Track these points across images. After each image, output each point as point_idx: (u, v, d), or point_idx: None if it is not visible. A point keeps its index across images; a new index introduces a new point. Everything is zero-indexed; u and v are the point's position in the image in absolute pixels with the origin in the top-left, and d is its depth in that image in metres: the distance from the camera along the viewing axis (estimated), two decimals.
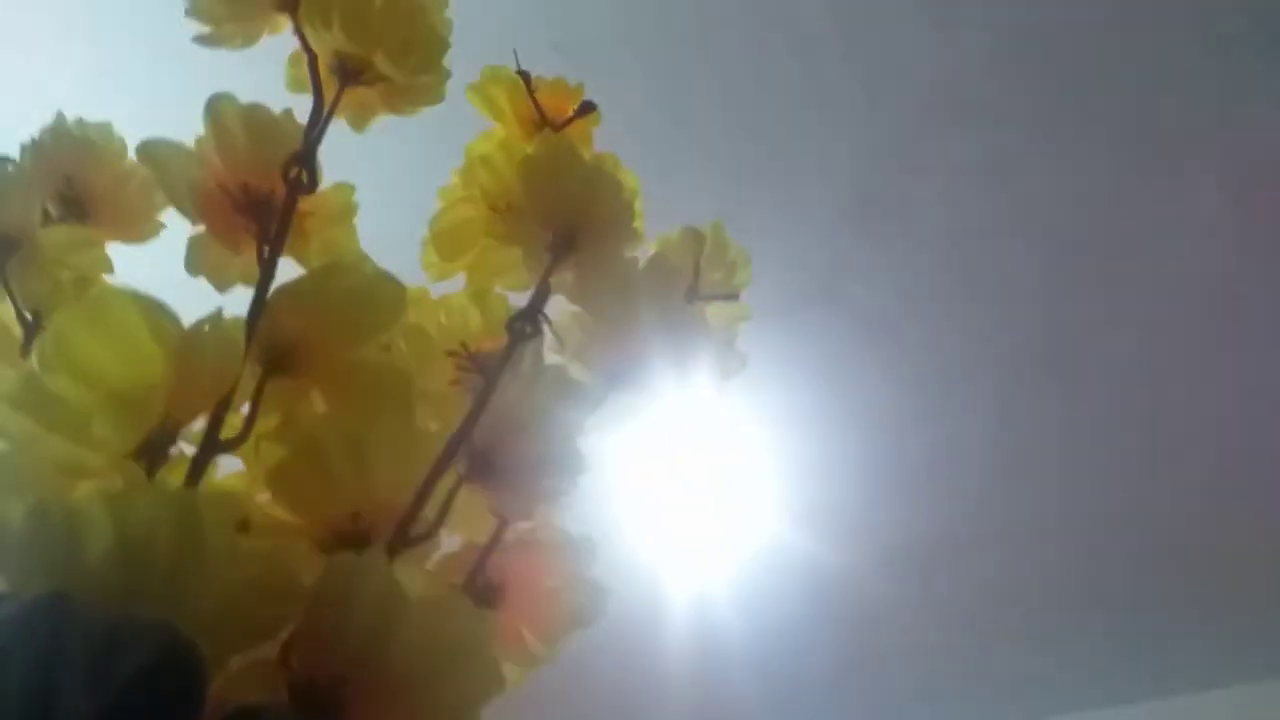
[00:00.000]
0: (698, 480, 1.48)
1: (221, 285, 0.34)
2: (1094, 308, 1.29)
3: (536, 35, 1.08)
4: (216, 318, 0.25)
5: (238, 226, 0.32)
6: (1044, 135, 1.14)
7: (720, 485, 1.48)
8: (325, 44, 0.33)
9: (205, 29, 0.34)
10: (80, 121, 0.40)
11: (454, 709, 0.22)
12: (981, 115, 1.13)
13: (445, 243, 0.38)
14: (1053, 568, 1.59)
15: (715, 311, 0.45)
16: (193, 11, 0.33)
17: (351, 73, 0.33)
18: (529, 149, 0.38)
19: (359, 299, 0.29)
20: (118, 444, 0.24)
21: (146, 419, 0.24)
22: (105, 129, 0.40)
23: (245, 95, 0.34)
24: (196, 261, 0.34)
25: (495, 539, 0.34)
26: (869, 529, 1.53)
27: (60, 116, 0.40)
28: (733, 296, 0.45)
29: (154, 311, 0.24)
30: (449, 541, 0.37)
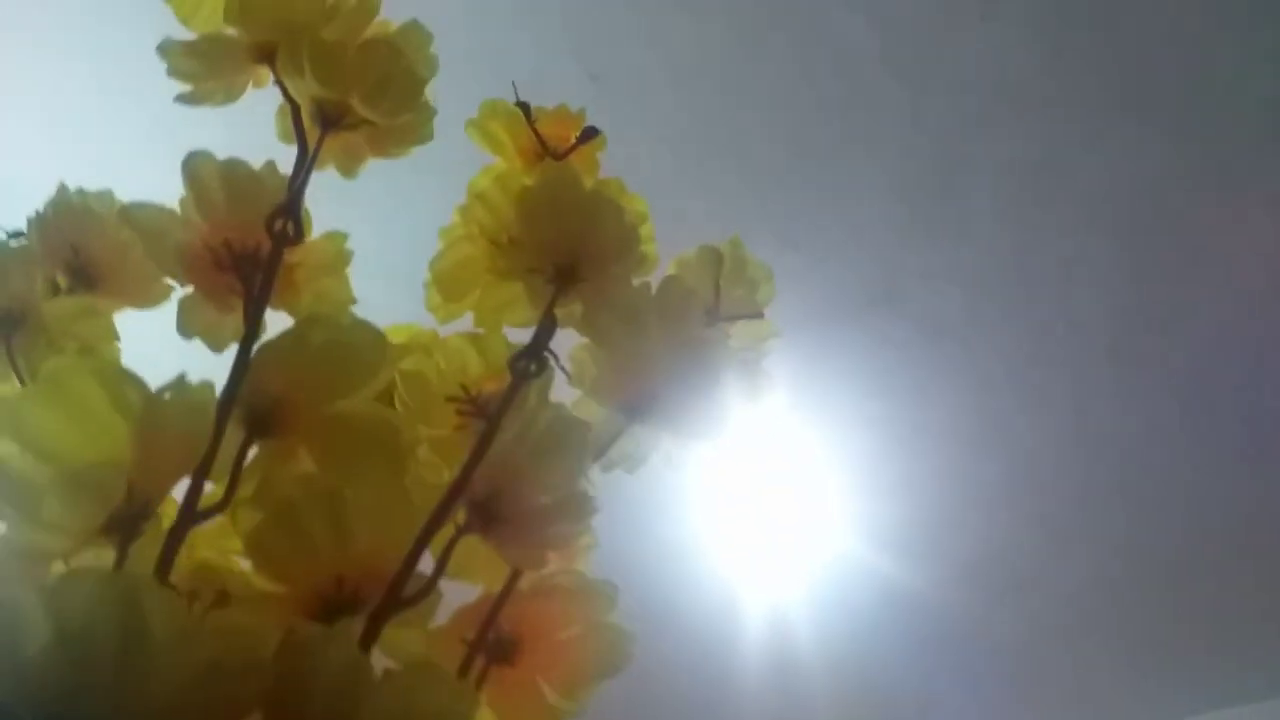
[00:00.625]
0: (773, 494, 1.46)
1: (216, 346, 0.33)
2: (1164, 297, 1.24)
3: (573, 66, 1.07)
4: (180, 383, 0.24)
5: (225, 285, 0.32)
6: (1098, 124, 1.10)
7: (795, 499, 1.45)
8: (303, 91, 0.32)
9: (186, 87, 0.33)
10: (81, 191, 0.40)
11: None
12: (1031, 108, 1.09)
13: (448, 283, 0.37)
14: (1138, 577, 1.52)
15: (740, 331, 0.43)
16: (172, 72, 0.33)
17: (331, 118, 0.33)
18: (527, 180, 0.37)
19: (338, 351, 0.28)
20: (77, 523, 0.23)
21: (107, 495, 0.23)
22: (106, 197, 0.40)
23: (251, 155, 0.34)
24: (188, 323, 0.33)
25: (507, 589, 0.32)
26: (946, 544, 1.49)
27: (62, 187, 0.40)
28: (757, 314, 0.43)
29: (115, 381, 0.24)
30: (466, 591, 0.35)
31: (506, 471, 0.30)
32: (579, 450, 0.30)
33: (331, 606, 0.26)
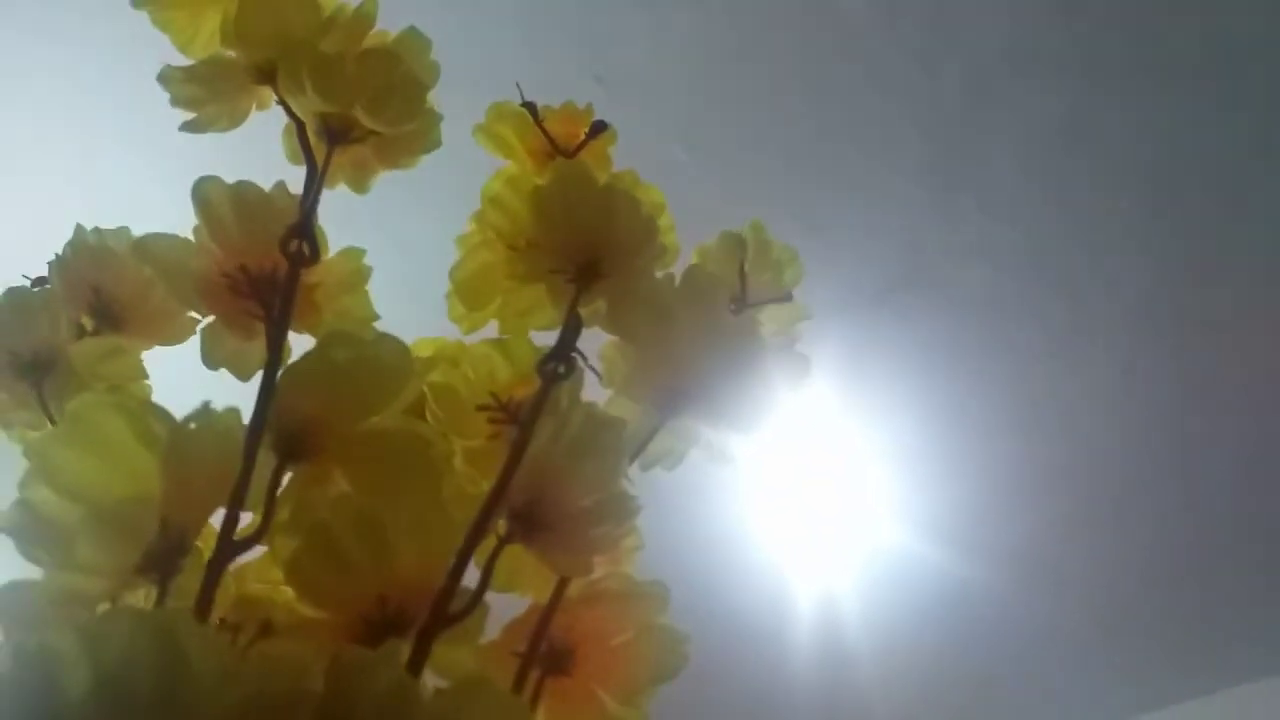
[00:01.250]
0: (816, 485, 1.45)
1: (243, 375, 0.33)
2: (1201, 254, 1.21)
3: (578, 69, 1.07)
4: (205, 411, 0.24)
5: (245, 311, 0.31)
6: (1120, 84, 1.07)
7: (838, 489, 1.44)
8: (306, 108, 0.32)
9: (190, 114, 0.33)
10: (97, 230, 0.40)
11: None
12: (1048, 72, 1.07)
13: (469, 292, 0.36)
14: (1188, 561, 1.49)
15: (770, 316, 0.42)
16: (174, 99, 0.32)
17: (337, 132, 0.32)
18: (539, 181, 0.36)
19: (363, 367, 0.27)
20: (112, 563, 0.22)
21: (139, 531, 0.22)
22: (122, 234, 0.40)
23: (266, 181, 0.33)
24: (212, 353, 0.32)
25: (556, 598, 0.31)
26: (993, 530, 1.47)
27: (79, 229, 0.40)
28: (785, 298, 0.42)
29: (139, 414, 0.23)
30: (516, 603, 0.35)
31: (544, 477, 0.29)
32: (615, 449, 0.29)
33: (377, 629, 0.25)
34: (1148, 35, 1.04)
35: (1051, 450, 1.39)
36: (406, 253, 0.87)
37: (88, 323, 0.40)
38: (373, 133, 0.33)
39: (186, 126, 0.33)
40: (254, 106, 0.34)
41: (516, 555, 0.35)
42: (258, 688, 0.20)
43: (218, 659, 0.19)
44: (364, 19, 0.33)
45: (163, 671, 0.19)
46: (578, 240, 0.35)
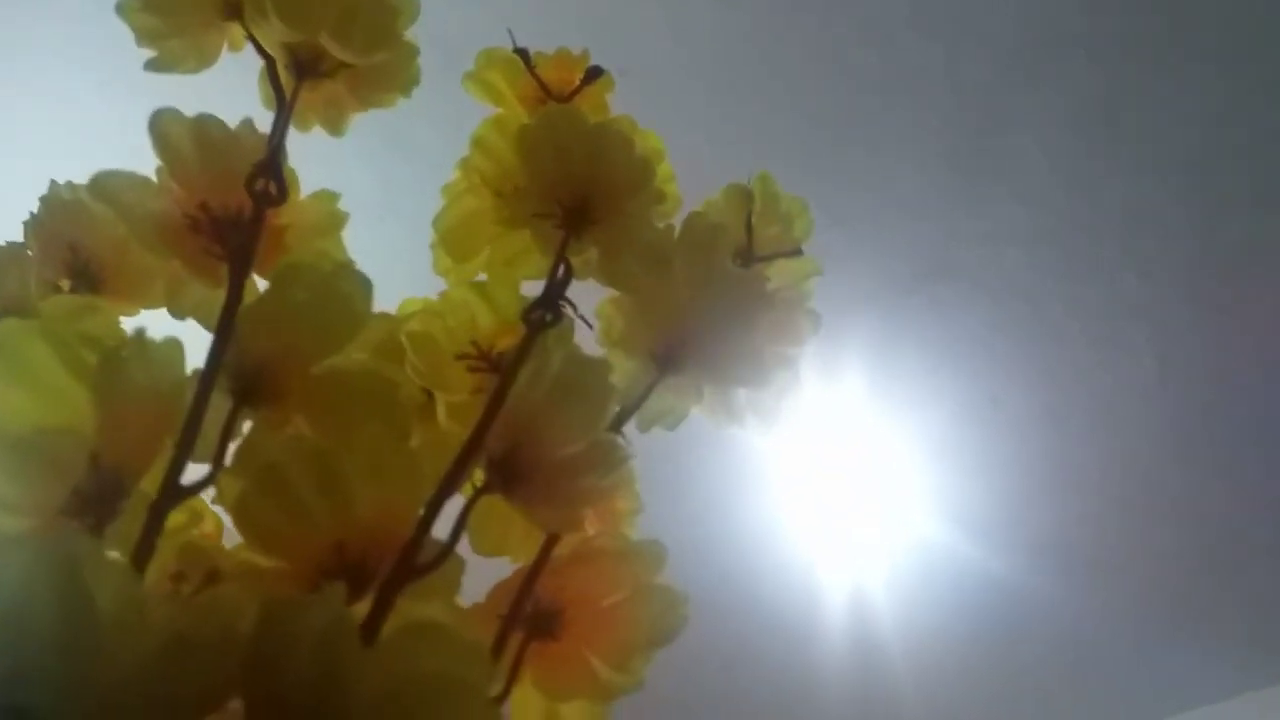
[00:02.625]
0: (851, 476, 1.42)
1: (210, 324, 0.31)
2: (1238, 233, 1.17)
3: (600, 61, 1.05)
4: (140, 339, 0.22)
5: (210, 254, 0.29)
6: (1149, 64, 1.04)
7: (873, 480, 1.41)
8: (272, 39, 0.30)
9: (153, 52, 0.31)
10: (71, 185, 0.38)
11: None
12: (1074, 54, 1.04)
13: (455, 241, 0.34)
14: (1229, 553, 1.45)
15: (780, 270, 0.40)
16: (135, 31, 0.31)
17: (306, 64, 0.30)
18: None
19: (320, 301, 0.25)
20: (35, 499, 0.20)
21: (66, 467, 0.20)
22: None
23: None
24: (177, 301, 0.31)
25: (544, 555, 0.29)
26: (1027, 522, 1.43)
27: (53, 184, 0.38)
28: (795, 251, 0.40)
29: (68, 343, 0.21)
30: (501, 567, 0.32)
31: (523, 423, 0.27)
32: (599, 393, 0.27)
33: (335, 579, 0.23)
34: (1178, 16, 1.00)
35: (1088, 439, 1.35)
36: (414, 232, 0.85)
37: (64, 285, 0.38)
38: (345, 66, 0.31)
39: (151, 65, 0.31)
40: (224, 45, 0.33)
41: (506, 517, 0.33)
42: (177, 632, 0.18)
43: (127, 595, 0.17)
44: None
45: (64, 611, 0.17)
46: (566, 181, 0.33)
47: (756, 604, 1.47)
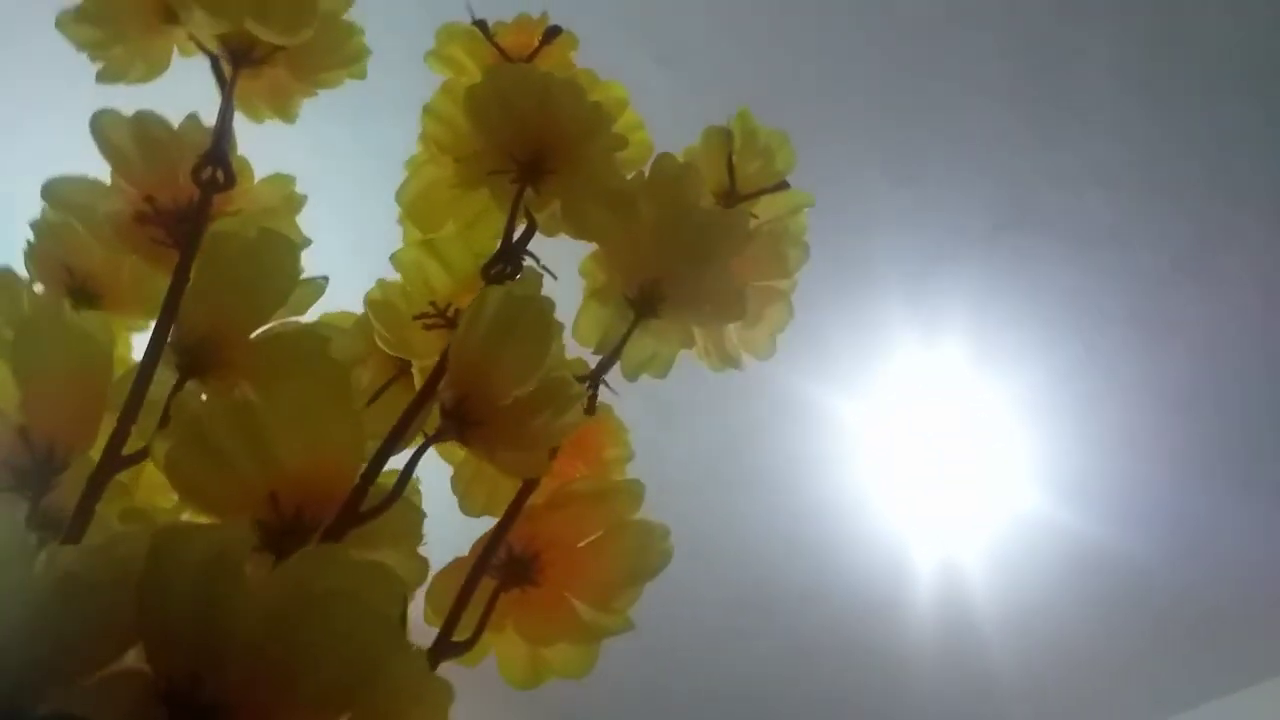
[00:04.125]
0: (942, 442, 1.37)
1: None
2: None
3: (638, 50, 1.05)
4: (55, 313, 0.22)
5: (163, 245, 0.30)
6: None
7: (966, 447, 1.36)
8: (204, 30, 0.30)
9: (101, 63, 0.32)
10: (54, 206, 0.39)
11: (347, 680, 0.18)
12: None
13: (419, 213, 0.34)
14: None
15: (767, 206, 0.39)
16: (80, 49, 0.32)
17: (239, 53, 0.31)
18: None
19: (248, 266, 0.25)
20: None
21: None
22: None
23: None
24: (140, 298, 0.31)
25: (517, 503, 0.29)
26: (1131, 499, 1.36)
27: (43, 209, 0.40)
28: (780, 185, 0.39)
29: None
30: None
31: (469, 369, 0.27)
32: (539, 329, 0.27)
33: (274, 534, 0.23)
34: None
35: (1191, 378, 1.28)
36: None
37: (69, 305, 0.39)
38: (279, 50, 0.31)
39: (101, 76, 0.32)
40: (174, 50, 0.33)
41: (493, 479, 0.33)
42: (70, 571, 0.18)
43: (16, 540, 0.18)
44: None
45: None
46: (517, 135, 0.32)
47: (844, 579, 1.43)
